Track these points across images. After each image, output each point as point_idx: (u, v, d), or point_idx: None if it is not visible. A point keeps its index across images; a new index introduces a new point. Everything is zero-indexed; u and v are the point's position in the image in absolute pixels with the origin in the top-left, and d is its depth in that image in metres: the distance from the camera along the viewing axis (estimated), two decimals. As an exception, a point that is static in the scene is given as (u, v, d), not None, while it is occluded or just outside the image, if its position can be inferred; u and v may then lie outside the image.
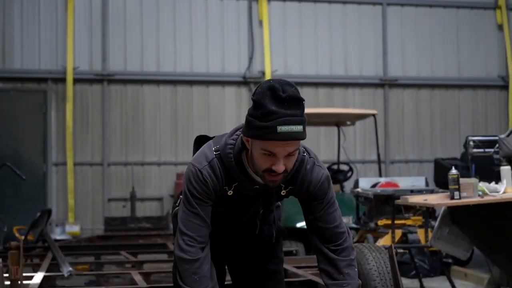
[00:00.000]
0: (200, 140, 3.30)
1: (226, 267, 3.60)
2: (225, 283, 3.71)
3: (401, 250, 4.29)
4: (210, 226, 3.11)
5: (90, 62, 13.22)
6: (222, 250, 3.42)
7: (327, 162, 11.56)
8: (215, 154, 3.05)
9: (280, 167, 2.86)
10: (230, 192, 3.10)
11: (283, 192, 3.17)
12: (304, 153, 3.11)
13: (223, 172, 3.04)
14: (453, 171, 6.01)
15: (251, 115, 2.85)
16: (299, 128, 2.79)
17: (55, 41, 13.06)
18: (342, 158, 11.24)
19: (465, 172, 10.22)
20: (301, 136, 2.82)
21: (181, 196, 3.45)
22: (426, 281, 9.32)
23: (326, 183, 3.15)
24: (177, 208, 3.43)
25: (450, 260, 9.89)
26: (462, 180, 6.02)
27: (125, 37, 13.34)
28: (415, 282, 9.14)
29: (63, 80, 12.99)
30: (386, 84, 14.31)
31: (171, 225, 7.37)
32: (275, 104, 2.77)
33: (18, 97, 13.00)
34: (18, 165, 10.06)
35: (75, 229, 12.31)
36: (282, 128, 2.76)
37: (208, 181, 3.02)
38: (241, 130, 3.02)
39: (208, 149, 3.09)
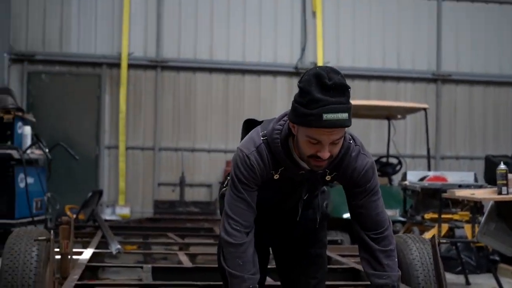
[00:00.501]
0: (249, 124, 3.35)
1: (270, 250, 3.66)
2: (268, 266, 3.79)
3: (444, 241, 4.27)
4: (256, 211, 3.16)
5: (144, 48, 13.42)
6: (267, 234, 3.47)
7: (377, 155, 11.53)
8: (262, 140, 3.09)
9: (325, 154, 2.89)
10: (276, 176, 3.13)
11: (327, 178, 3.20)
12: (350, 140, 3.12)
13: (270, 157, 3.07)
14: (502, 166, 5.98)
15: (297, 102, 2.88)
16: (344, 115, 2.80)
17: (111, 27, 13.30)
18: (392, 151, 11.19)
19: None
20: (346, 123, 2.83)
21: (228, 178, 3.53)
22: (472, 278, 9.26)
23: (371, 171, 3.17)
24: (224, 188, 3.51)
25: (497, 258, 9.80)
26: (510, 175, 5.99)
27: (179, 25, 13.50)
28: (461, 278, 9.09)
29: (117, 65, 13.23)
30: (439, 79, 14.19)
31: (218, 211, 7.48)
32: (321, 92, 2.79)
33: (74, 81, 13.28)
34: (72, 147, 10.27)
35: (125, 211, 12.55)
36: (327, 116, 2.77)
37: (255, 167, 3.07)
38: (288, 115, 3.06)
39: (256, 134, 3.13)
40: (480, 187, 7.46)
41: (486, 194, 6.25)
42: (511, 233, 6.39)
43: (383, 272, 3.17)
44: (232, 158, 3.19)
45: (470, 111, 14.38)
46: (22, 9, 13.08)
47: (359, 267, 5.09)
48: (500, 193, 5.94)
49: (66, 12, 13.20)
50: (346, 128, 2.93)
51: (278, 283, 3.90)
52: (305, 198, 3.30)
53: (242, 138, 3.28)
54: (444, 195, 7.03)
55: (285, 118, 3.08)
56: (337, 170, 3.15)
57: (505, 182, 5.90)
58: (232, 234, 3.10)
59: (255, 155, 3.07)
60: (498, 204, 6.23)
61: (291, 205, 3.36)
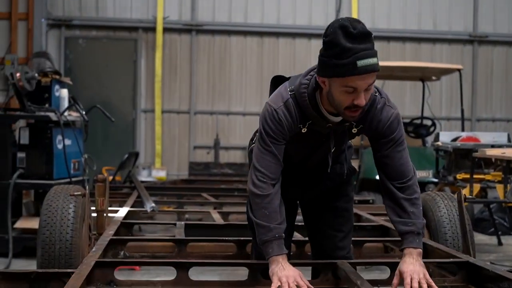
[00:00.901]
0: (277, 80, 3.43)
1: (298, 203, 3.76)
2: (296, 223, 3.89)
3: (470, 197, 4.32)
4: (282, 164, 3.25)
5: (179, 12, 13.49)
6: (295, 189, 3.57)
7: (411, 117, 11.51)
8: (290, 94, 3.17)
9: (362, 101, 2.96)
10: (304, 130, 3.22)
11: (354, 130, 3.28)
12: (376, 93, 3.21)
13: (298, 111, 3.15)
14: (533, 124, 5.97)
15: (326, 56, 2.95)
16: (374, 60, 2.90)
17: (147, -9, 13.41)
18: (427, 113, 11.15)
19: (552, 131, 10.06)
20: (377, 67, 2.93)
21: (257, 134, 3.62)
22: (505, 239, 9.32)
23: (396, 122, 3.24)
24: (253, 144, 3.61)
25: (530, 219, 9.81)
26: (541, 134, 5.99)
27: (244, -11, 13.53)
28: (494, 239, 9.15)
29: (153, 29, 13.34)
30: (475, 40, 14.03)
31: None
32: (349, 41, 2.86)
33: (110, 45, 13.43)
34: (109, 110, 10.37)
35: (162, 174, 12.74)
36: (361, 62, 2.86)
37: (283, 121, 3.15)
38: (315, 70, 3.14)
39: (284, 89, 3.22)
40: (514, 147, 7.45)
41: (517, 153, 6.25)
42: (542, 192, 6.42)
43: (408, 219, 3.25)
44: (261, 112, 3.27)
45: (507, 73, 14.21)
46: (59, -26, 13.24)
47: (389, 224, 5.17)
48: (530, 152, 5.95)
49: (102, -23, 13.33)
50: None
51: (306, 238, 4.00)
52: (333, 151, 3.36)
53: (270, 94, 3.36)
54: (475, 154, 7.05)
55: (312, 73, 3.17)
56: (363, 122, 3.23)
57: (536, 140, 5.91)
58: (259, 185, 3.21)
59: (282, 109, 3.15)
60: (529, 163, 6.24)
61: (319, 158, 3.43)
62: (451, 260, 3.76)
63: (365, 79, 2.92)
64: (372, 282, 3.46)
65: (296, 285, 3.08)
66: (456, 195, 4.20)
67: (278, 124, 3.16)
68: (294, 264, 3.29)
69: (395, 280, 3.22)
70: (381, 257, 4.55)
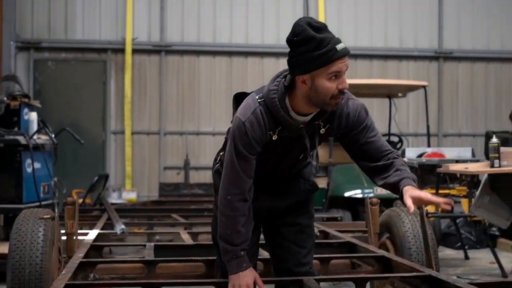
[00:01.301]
0: (239, 97, 3.52)
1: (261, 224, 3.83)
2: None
3: (432, 212, 4.44)
4: (252, 180, 3.35)
5: (148, 33, 13.58)
6: (263, 202, 3.62)
7: (378, 133, 11.65)
8: (259, 102, 3.28)
9: (346, 83, 3.16)
10: (274, 137, 3.32)
11: (322, 131, 3.38)
12: None
13: (268, 118, 3.26)
14: (494, 139, 6.15)
15: (304, 52, 3.10)
16: (344, 44, 3.13)
17: (115, 13, 13.46)
18: (394, 130, 11.31)
19: (517, 145, 10.25)
20: (349, 51, 3.15)
21: (221, 153, 3.69)
22: (472, 252, 9.46)
23: (363, 111, 3.40)
24: (217, 165, 3.68)
25: (497, 233, 9.97)
26: (502, 148, 6.15)
27: (182, 8, 13.64)
28: (461, 253, 9.29)
29: (122, 50, 13.41)
30: (440, 57, 14.30)
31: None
32: (320, 33, 3.09)
33: (79, 67, 13.47)
34: (78, 133, 10.39)
35: (132, 196, 12.75)
36: (339, 46, 3.10)
37: (250, 134, 3.24)
38: (281, 77, 3.29)
39: (252, 99, 3.32)
40: (477, 161, 7.60)
41: (480, 168, 6.41)
42: (505, 205, 6.56)
43: (402, 172, 3.36)
44: (231, 127, 3.35)
45: (472, 88, 14.49)
46: (27, -3, 13.28)
47: (355, 241, 5.26)
48: (492, 166, 6.11)
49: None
50: None
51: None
52: (301, 157, 3.47)
53: (234, 112, 3.43)
54: (439, 170, 7.20)
55: (278, 79, 3.29)
56: (331, 122, 3.36)
57: (497, 155, 6.07)
58: (225, 203, 3.32)
59: (250, 119, 3.25)
60: (491, 178, 6.39)
61: (289, 165, 3.52)
62: (414, 274, 3.86)
63: (345, 61, 3.13)
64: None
65: None
66: (419, 211, 4.31)
67: (246, 137, 3.25)
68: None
69: (409, 203, 3.22)
70: (347, 273, 4.63)
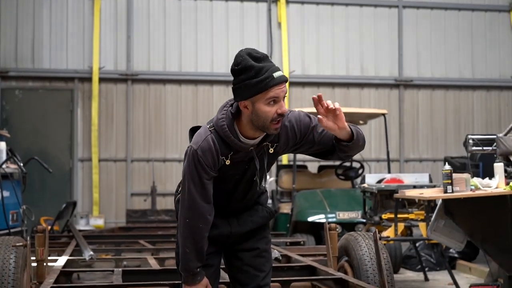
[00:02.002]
0: (194, 131, 3.77)
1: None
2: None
3: (384, 236, 4.70)
4: (211, 204, 3.59)
5: (115, 62, 13.79)
6: (223, 226, 3.82)
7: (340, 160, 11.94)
8: (210, 130, 3.54)
9: (284, 108, 3.43)
10: (228, 162, 3.56)
11: (271, 150, 3.63)
12: None
13: (219, 144, 3.52)
14: (446, 166, 6.44)
15: (243, 80, 3.39)
16: (282, 73, 3.42)
17: (82, 42, 13.65)
18: (356, 156, 11.58)
19: (473, 169, 10.60)
20: (286, 78, 3.43)
21: (181, 183, 3.92)
22: (432, 274, 9.75)
23: (303, 115, 3.65)
24: (179, 194, 3.90)
25: (456, 255, 10.29)
26: (455, 175, 6.44)
27: (148, 39, 13.89)
28: (421, 275, 9.57)
29: (89, 79, 13.59)
30: (401, 84, 14.71)
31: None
32: (259, 62, 3.39)
33: (47, 96, 13.60)
34: (46, 160, 10.58)
35: (99, 222, 12.86)
36: (276, 74, 3.38)
37: (203, 159, 3.50)
38: (227, 106, 3.55)
39: (203, 129, 3.60)
40: (434, 187, 7.89)
41: (434, 193, 6.69)
42: (459, 229, 6.86)
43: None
44: (185, 157, 3.61)
45: (432, 115, 14.90)
46: (-6, 27, 13.41)
47: (316, 264, 5.50)
48: (445, 191, 6.38)
49: (38, 28, 13.53)
50: None
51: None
52: (255, 178, 3.68)
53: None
54: (396, 195, 7.47)
55: (225, 108, 3.55)
56: (277, 141, 3.62)
57: (450, 181, 6.35)
58: (184, 225, 3.60)
59: (202, 147, 3.51)
60: (445, 203, 6.69)
61: (245, 188, 3.72)
62: (368, 295, 4.11)
63: (282, 87, 3.40)
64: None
65: None
66: (373, 235, 4.57)
67: (199, 164, 3.51)
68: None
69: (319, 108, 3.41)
70: (306, 295, 4.85)
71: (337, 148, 3.61)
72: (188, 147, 3.58)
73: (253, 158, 3.60)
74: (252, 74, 3.37)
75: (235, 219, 3.85)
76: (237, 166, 3.62)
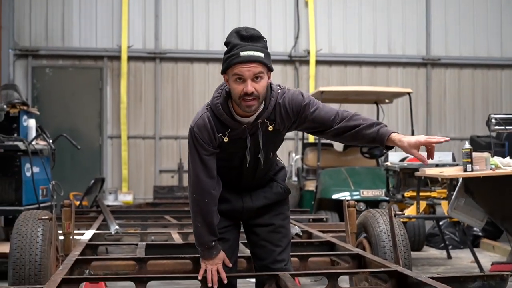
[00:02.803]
0: None
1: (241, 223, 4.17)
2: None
3: (399, 212, 4.79)
4: (214, 179, 3.73)
5: (143, 41, 13.94)
6: (236, 202, 3.97)
7: (367, 138, 12.00)
8: (206, 109, 3.69)
9: (249, 88, 3.49)
10: (226, 139, 3.68)
11: (270, 128, 3.72)
12: (278, 89, 3.74)
13: (215, 121, 3.65)
14: (466, 145, 6.50)
15: (224, 55, 3.56)
16: (259, 54, 3.50)
17: (111, 21, 13.82)
18: (382, 134, 11.62)
19: (499, 149, 10.60)
20: (260, 59, 3.50)
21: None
22: (455, 252, 9.81)
23: (299, 95, 3.73)
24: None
25: (480, 233, 10.32)
26: (475, 154, 6.50)
27: (176, 17, 14.00)
28: (444, 253, 9.64)
29: (118, 58, 13.77)
30: (428, 63, 14.66)
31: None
32: (240, 40, 3.52)
33: (76, 74, 13.82)
34: (76, 138, 10.79)
35: (128, 198, 13.09)
36: (244, 53, 3.47)
37: (199, 135, 3.64)
38: (224, 85, 3.68)
39: (202, 108, 3.75)
40: (456, 165, 7.93)
41: (453, 172, 6.75)
42: (479, 207, 6.92)
43: (368, 122, 3.71)
44: None
45: (459, 94, 14.85)
46: (25, 5, 13.60)
47: (335, 240, 5.59)
48: (465, 170, 6.45)
49: (68, 7, 13.72)
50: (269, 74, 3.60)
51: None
52: (260, 156, 3.76)
53: None
54: (416, 173, 7.54)
55: (222, 87, 3.69)
56: (274, 118, 3.71)
57: (469, 160, 6.42)
58: (192, 201, 3.75)
59: (198, 124, 3.66)
60: (465, 181, 6.75)
61: (252, 165, 3.81)
62: (382, 269, 4.21)
63: (249, 67, 3.49)
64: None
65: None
66: (388, 211, 4.66)
67: (195, 140, 3.66)
68: (240, 277, 3.79)
69: (420, 156, 3.72)
70: (323, 269, 4.94)
71: (362, 140, 3.74)
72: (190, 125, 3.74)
73: (253, 135, 3.69)
74: (227, 50, 3.54)
75: (248, 194, 3.97)
76: (236, 144, 3.72)
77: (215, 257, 3.80)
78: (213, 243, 3.78)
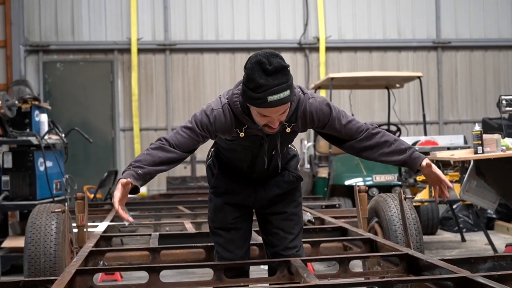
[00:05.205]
0: None
1: (254, 211, 4.20)
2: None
3: (409, 196, 4.80)
4: (181, 154, 3.61)
5: (153, 32, 13.97)
6: (249, 191, 4.01)
7: (378, 123, 11.94)
8: (227, 101, 3.61)
9: (275, 124, 3.45)
10: (242, 134, 3.64)
11: (288, 130, 3.69)
12: (300, 92, 3.65)
13: (233, 117, 3.59)
14: (476, 127, 6.49)
15: (245, 85, 3.39)
16: (286, 93, 3.33)
17: (120, 14, 13.86)
18: (394, 119, 11.63)
19: (511, 130, 10.56)
20: (288, 99, 3.36)
21: (212, 149, 4.09)
22: (469, 235, 9.82)
23: (326, 106, 3.69)
24: (209, 160, 4.07)
25: (494, 215, 10.31)
26: (485, 136, 6.49)
27: (185, 8, 14.02)
28: (458, 236, 9.65)
29: (128, 50, 13.81)
30: (439, 46, 14.60)
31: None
32: (264, 77, 3.30)
33: (87, 68, 13.88)
34: (89, 131, 10.86)
35: (142, 189, 13.02)
36: (271, 98, 3.30)
37: (213, 119, 3.56)
38: (240, 94, 3.55)
39: (223, 96, 3.68)
40: (468, 148, 7.92)
41: (464, 154, 6.75)
42: (491, 189, 6.90)
43: (399, 145, 3.78)
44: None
45: (470, 76, 14.79)
46: (35, 1, 13.65)
47: (347, 226, 5.63)
48: (476, 152, 6.45)
49: (77, 2, 13.77)
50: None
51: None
52: (274, 153, 3.78)
53: None
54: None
55: (241, 85, 3.54)
56: (295, 121, 3.67)
57: (480, 142, 6.42)
58: (154, 142, 3.65)
59: (219, 111, 3.57)
60: (477, 163, 6.74)
61: (266, 159, 3.81)
62: (393, 253, 4.23)
63: (276, 110, 3.37)
64: (324, 276, 3.94)
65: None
66: (398, 195, 4.67)
67: (207, 118, 3.57)
68: (253, 264, 3.84)
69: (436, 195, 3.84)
70: (335, 254, 4.97)
71: (381, 158, 3.80)
72: (207, 104, 3.67)
73: (269, 135, 3.64)
74: (250, 87, 3.33)
75: (261, 185, 3.99)
76: (251, 139, 3.70)
77: (122, 178, 3.51)
78: (134, 169, 3.53)
